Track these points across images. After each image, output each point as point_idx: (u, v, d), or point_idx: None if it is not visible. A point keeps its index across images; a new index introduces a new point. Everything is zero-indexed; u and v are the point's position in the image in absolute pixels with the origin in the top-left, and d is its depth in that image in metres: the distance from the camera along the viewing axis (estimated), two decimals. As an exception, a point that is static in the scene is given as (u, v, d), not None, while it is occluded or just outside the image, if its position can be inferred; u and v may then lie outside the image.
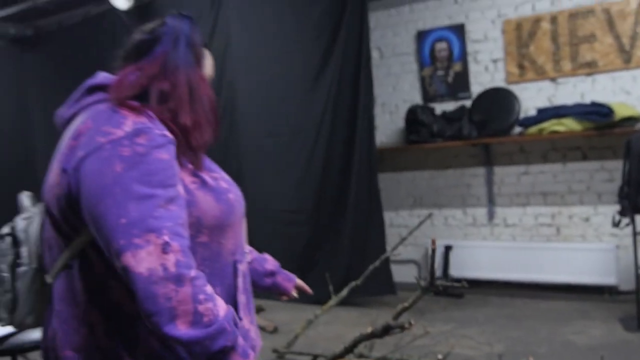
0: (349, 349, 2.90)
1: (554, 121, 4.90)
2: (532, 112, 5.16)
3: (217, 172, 1.29)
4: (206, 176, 1.23)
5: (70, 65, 6.51)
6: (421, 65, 5.73)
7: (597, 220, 5.05)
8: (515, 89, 5.28)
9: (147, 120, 1.15)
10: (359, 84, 5.03)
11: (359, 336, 2.76)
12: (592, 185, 5.08)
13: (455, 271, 5.46)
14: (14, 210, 1.42)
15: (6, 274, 1.32)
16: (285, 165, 5.33)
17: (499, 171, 5.45)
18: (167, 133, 1.16)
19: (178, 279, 1.05)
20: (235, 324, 1.12)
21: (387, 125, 5.94)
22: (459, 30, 5.50)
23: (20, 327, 1.35)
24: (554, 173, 5.22)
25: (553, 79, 5.16)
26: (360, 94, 5.03)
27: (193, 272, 1.07)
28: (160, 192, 1.09)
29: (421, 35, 5.69)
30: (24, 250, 1.31)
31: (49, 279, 1.22)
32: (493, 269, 5.34)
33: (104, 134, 1.12)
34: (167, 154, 1.13)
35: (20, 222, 1.36)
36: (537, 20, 5.17)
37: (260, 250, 1.71)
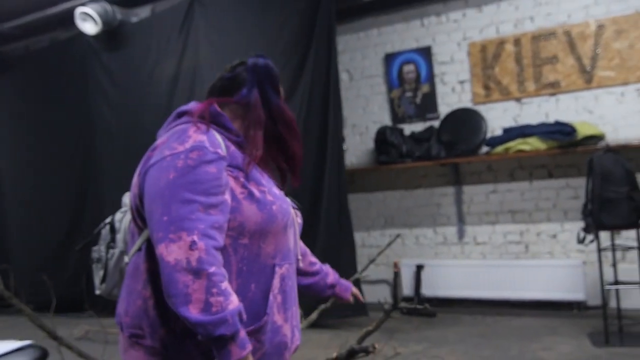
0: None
1: (519, 140, 5.00)
2: (499, 132, 5.26)
3: (265, 187, 1.47)
4: (254, 189, 1.44)
5: (37, 89, 6.46)
6: (390, 87, 5.81)
7: (564, 237, 5.14)
8: (482, 109, 5.38)
9: (205, 140, 1.37)
10: (328, 107, 5.07)
11: (326, 360, 2.75)
12: (558, 203, 5.17)
13: (427, 290, 5.49)
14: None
15: (103, 254, 1.68)
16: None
17: (468, 190, 5.52)
18: (220, 151, 1.38)
19: (197, 272, 1.26)
20: (241, 320, 1.29)
21: (357, 146, 6.00)
22: (426, 52, 5.60)
23: (109, 297, 1.67)
24: (521, 191, 5.31)
25: (518, 99, 5.27)
26: (330, 116, 5.07)
27: (212, 269, 1.27)
28: (202, 199, 1.31)
29: (389, 58, 5.78)
30: (117, 236, 1.66)
31: (126, 259, 1.50)
32: (464, 287, 5.38)
33: (170, 148, 1.37)
34: (215, 168, 1.35)
35: (118, 214, 1.70)
36: (501, 43, 5.29)
37: None
